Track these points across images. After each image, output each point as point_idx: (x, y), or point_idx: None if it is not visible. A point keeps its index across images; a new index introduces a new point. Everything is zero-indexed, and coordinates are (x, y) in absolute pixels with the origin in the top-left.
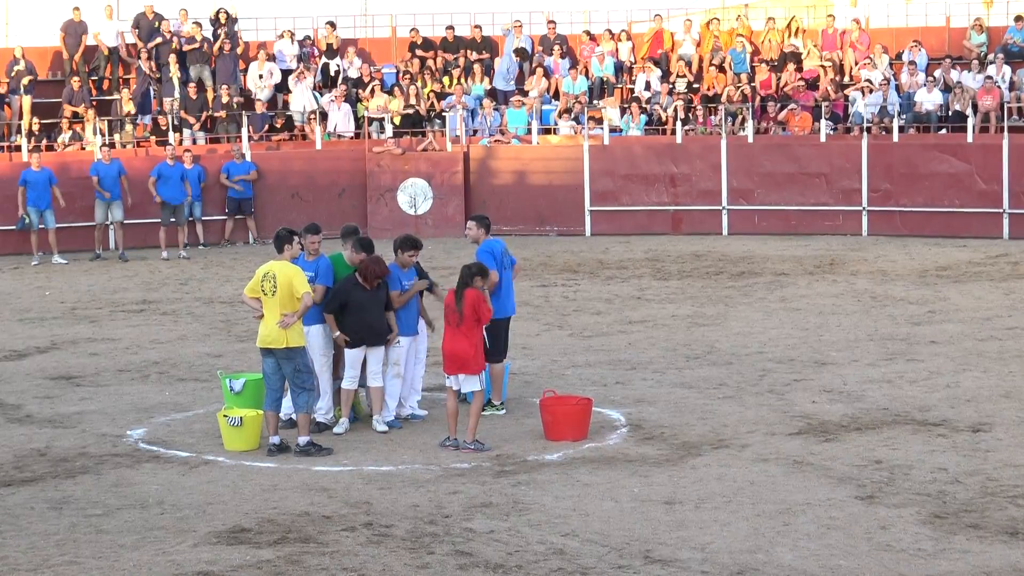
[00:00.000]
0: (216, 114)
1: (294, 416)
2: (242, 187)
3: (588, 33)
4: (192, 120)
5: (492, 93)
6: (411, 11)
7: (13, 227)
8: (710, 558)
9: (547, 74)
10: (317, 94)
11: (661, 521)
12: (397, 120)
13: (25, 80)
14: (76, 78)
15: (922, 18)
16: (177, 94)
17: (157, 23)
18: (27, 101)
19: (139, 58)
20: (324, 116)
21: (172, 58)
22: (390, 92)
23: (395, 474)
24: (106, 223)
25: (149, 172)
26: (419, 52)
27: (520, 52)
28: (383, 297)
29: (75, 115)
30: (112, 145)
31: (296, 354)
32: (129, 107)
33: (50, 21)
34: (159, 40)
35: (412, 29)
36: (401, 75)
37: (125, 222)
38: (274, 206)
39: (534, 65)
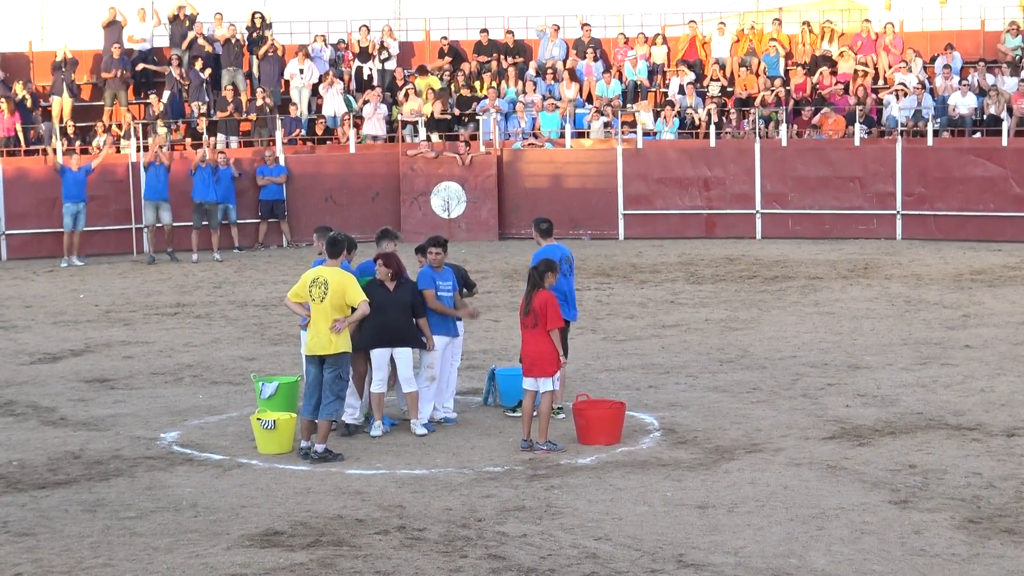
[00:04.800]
0: (248, 117)
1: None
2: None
3: (625, 37)
4: (207, 123)
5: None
6: (445, 14)
7: (49, 230)
8: (743, 562)
9: (577, 78)
10: (351, 97)
11: (694, 525)
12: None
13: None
14: (120, 69)
15: (957, 21)
16: (206, 98)
17: (188, 23)
18: (68, 103)
19: (170, 64)
20: (358, 119)
21: (199, 63)
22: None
23: (428, 477)
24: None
25: (188, 172)
26: (446, 60)
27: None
28: (405, 297)
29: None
30: (146, 148)
31: (343, 360)
32: (159, 108)
33: (85, 24)
34: (190, 43)
35: (442, 37)
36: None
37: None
38: (308, 209)
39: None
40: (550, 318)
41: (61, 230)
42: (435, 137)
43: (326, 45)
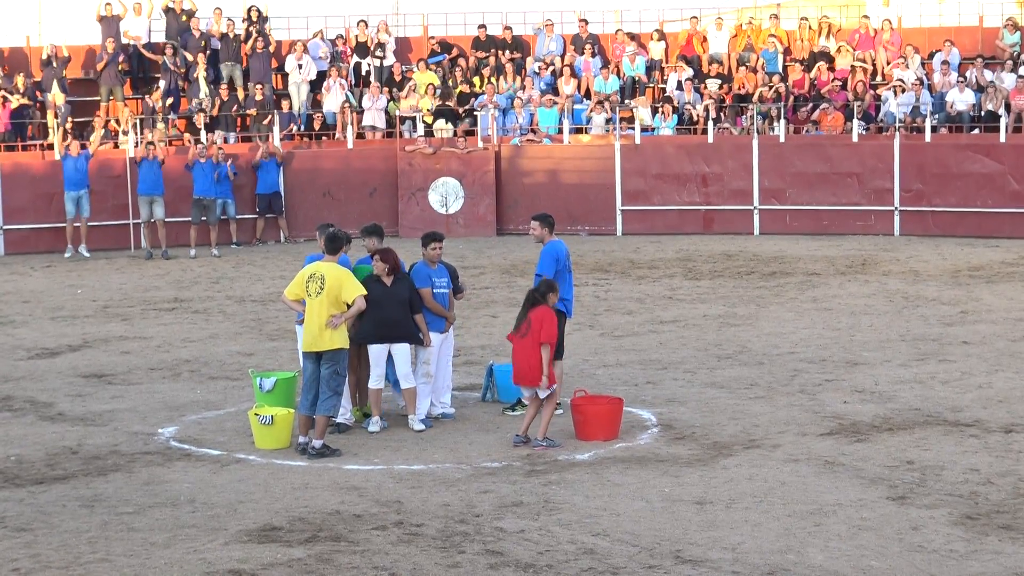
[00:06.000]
0: (248, 112)
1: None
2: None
3: (629, 34)
4: (205, 119)
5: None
6: (443, 10)
7: (48, 224)
8: (741, 558)
9: (575, 74)
10: (350, 94)
11: (692, 521)
12: (429, 119)
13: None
14: (112, 65)
15: (955, 17)
16: (204, 94)
17: (185, 17)
18: (61, 98)
19: (164, 55)
20: (359, 113)
21: (200, 57)
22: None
23: (426, 473)
24: (76, 221)
25: (184, 167)
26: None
27: None
28: (402, 293)
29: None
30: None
31: (340, 356)
32: (158, 103)
33: (83, 19)
34: (187, 37)
35: (430, 38)
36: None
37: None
38: (306, 205)
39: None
40: (544, 330)
41: (59, 224)
42: (445, 127)
43: (327, 42)
